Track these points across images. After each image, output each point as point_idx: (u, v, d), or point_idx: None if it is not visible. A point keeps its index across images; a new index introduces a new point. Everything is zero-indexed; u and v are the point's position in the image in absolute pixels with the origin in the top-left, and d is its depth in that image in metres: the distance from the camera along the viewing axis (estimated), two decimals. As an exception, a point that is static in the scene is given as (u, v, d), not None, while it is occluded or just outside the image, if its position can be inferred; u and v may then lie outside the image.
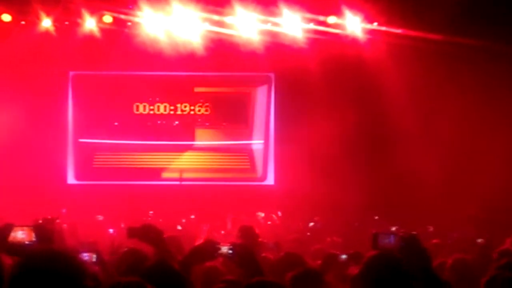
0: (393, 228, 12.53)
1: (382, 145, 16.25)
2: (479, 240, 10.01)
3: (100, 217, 15.08)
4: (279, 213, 15.32)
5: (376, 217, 15.02)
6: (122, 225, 13.29)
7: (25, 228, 5.63)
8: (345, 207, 14.80)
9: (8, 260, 3.35)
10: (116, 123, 17.43)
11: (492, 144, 14.86)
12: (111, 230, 12.47)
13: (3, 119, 15.75)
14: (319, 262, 6.91)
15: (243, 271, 4.58)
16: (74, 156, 17.41)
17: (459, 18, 14.58)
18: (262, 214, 15.14)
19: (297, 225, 14.41)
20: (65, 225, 10.32)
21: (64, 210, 14.46)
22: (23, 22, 15.99)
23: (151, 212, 15.09)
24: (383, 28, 15.68)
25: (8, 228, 5.55)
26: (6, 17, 15.78)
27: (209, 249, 4.61)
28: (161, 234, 4.83)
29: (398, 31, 15.36)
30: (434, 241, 9.74)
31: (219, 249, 4.58)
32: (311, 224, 15.13)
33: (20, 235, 5.46)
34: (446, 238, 11.17)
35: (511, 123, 15.01)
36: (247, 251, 4.62)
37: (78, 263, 2.89)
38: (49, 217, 7.01)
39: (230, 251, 4.56)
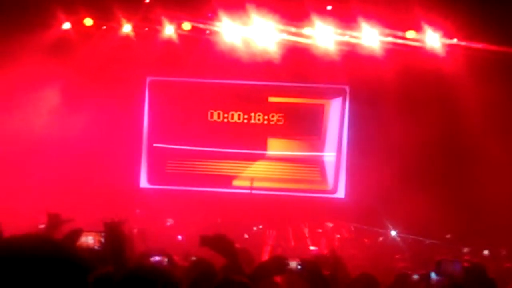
0: (465, 249, 12.32)
1: (459, 161, 15.99)
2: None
3: (170, 221, 15.25)
4: (352, 228, 15.19)
5: (448, 236, 14.77)
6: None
7: (93, 233, 5.71)
8: (417, 224, 14.60)
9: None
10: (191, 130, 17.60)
11: None
12: (179, 237, 12.58)
13: (81, 121, 16.08)
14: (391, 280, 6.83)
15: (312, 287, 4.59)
16: (148, 160, 17.65)
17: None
18: (331, 225, 15.05)
19: (365, 240, 14.29)
20: (135, 230, 10.46)
21: (138, 211, 14.68)
22: (104, 27, 16.37)
23: (218, 219, 15.15)
24: (463, 43, 15.48)
25: (77, 233, 5.63)
26: (88, 21, 16.17)
27: (278, 264, 4.62)
28: (233, 245, 4.84)
29: (479, 46, 15.14)
30: (507, 265, 9.53)
31: (288, 264, 4.59)
32: (380, 239, 14.99)
33: (89, 240, 5.54)
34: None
35: None
36: (316, 267, 4.64)
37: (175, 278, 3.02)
38: (116, 220, 7.08)
39: (299, 267, 4.58)
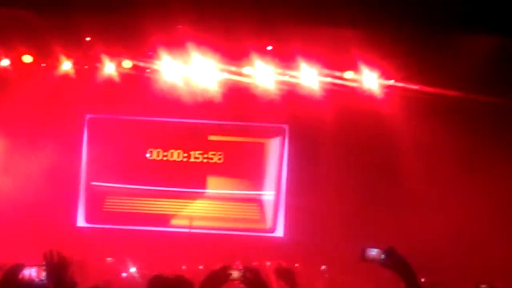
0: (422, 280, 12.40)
1: (395, 201, 16.21)
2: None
3: (111, 260, 15.08)
4: (296, 265, 15.21)
5: (386, 275, 14.90)
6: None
7: (36, 267, 5.71)
8: (355, 263, 14.69)
9: None
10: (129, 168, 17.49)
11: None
12: (124, 274, 12.48)
13: (19, 159, 15.84)
14: None
15: None
16: (86, 199, 17.43)
17: (478, 75, 14.72)
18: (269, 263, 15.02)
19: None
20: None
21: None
22: (43, 64, 16.23)
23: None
24: (400, 85, 15.80)
25: (19, 267, 5.62)
26: (27, 58, 15.99)
27: (222, 274, 4.84)
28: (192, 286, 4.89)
29: (415, 87, 15.48)
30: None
31: (231, 274, 4.82)
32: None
33: (32, 273, 5.55)
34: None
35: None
36: (257, 275, 4.83)
37: None
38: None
39: (241, 274, 4.82)
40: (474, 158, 15.61)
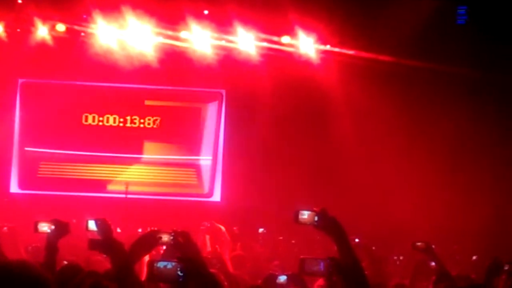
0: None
1: (330, 164, 16.39)
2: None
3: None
4: (235, 228, 15.27)
5: (318, 237, 15.07)
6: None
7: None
8: (291, 226, 14.82)
9: None
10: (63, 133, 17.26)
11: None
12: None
13: None
14: (260, 282, 6.89)
15: (183, 256, 4.70)
16: (19, 164, 17.18)
17: (411, 40, 14.90)
18: (208, 224, 14.99)
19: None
20: (5, 229, 10.18)
21: None
22: (-27, 27, 15.87)
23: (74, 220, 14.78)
24: (336, 50, 15.89)
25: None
26: (-43, 21, 15.62)
27: (152, 238, 4.78)
28: (123, 247, 4.83)
29: (351, 52, 15.59)
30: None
31: (161, 238, 4.77)
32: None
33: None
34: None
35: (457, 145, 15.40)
36: (187, 238, 4.78)
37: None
38: None
39: (172, 237, 4.76)
40: (408, 122, 15.86)
